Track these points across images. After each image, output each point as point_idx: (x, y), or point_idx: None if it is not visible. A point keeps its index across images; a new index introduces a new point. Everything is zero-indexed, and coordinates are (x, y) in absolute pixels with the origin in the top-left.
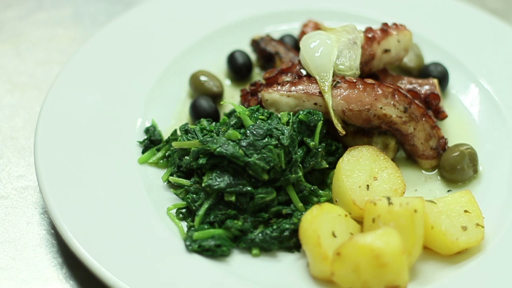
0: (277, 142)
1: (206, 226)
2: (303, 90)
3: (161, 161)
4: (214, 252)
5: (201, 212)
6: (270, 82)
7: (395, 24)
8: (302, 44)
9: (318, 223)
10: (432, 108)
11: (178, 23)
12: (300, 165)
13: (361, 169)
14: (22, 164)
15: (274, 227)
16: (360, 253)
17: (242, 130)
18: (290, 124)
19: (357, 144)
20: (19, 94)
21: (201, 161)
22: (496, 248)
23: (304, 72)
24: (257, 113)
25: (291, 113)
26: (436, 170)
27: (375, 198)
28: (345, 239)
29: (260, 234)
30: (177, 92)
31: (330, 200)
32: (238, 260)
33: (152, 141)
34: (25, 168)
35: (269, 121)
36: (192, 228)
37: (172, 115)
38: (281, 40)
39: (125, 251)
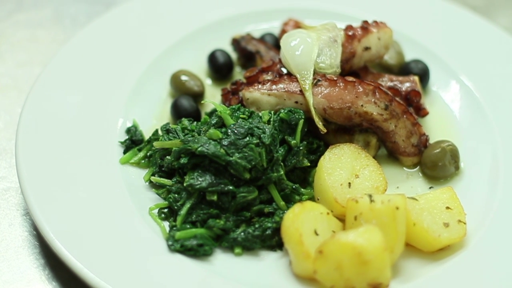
0: (258, 141)
1: (188, 226)
2: (284, 88)
3: (143, 161)
4: (196, 251)
5: (183, 211)
6: (251, 81)
7: (375, 22)
8: (282, 43)
9: (300, 221)
10: (413, 105)
11: (158, 23)
12: (282, 163)
13: (343, 167)
14: (4, 166)
15: (256, 226)
16: (343, 250)
17: (223, 129)
18: (271, 122)
19: (339, 142)
20: None
21: (182, 160)
22: (478, 244)
23: (285, 71)
24: (238, 112)
25: (272, 112)
26: (418, 167)
27: (357, 195)
28: (327, 237)
29: (242, 233)
30: (158, 92)
31: (312, 198)
32: (221, 259)
33: (133, 141)
34: (6, 170)
35: (250, 120)
36: (174, 228)
37: (153, 115)
38: (262, 39)
39: (107, 252)
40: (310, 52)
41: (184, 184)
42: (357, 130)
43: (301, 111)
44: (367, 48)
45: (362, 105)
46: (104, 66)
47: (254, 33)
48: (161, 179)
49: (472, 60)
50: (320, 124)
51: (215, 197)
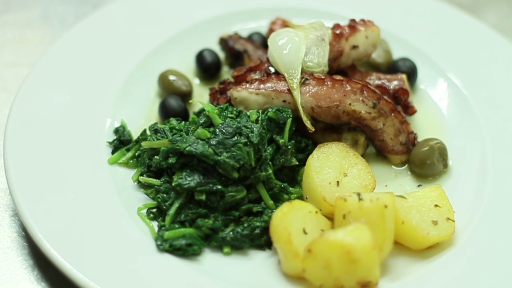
0: (246, 140)
1: (177, 226)
2: (272, 87)
3: (131, 161)
4: (185, 251)
5: (171, 211)
6: (239, 80)
7: (362, 20)
8: (270, 42)
9: (289, 220)
10: (401, 103)
11: (146, 23)
12: (270, 162)
13: (331, 166)
14: None
15: (245, 225)
16: (331, 249)
17: (211, 129)
18: (259, 122)
19: (327, 141)
20: None
21: (171, 160)
22: (467, 242)
23: (272, 70)
24: (226, 111)
25: (260, 111)
26: (406, 165)
27: (345, 194)
28: (316, 236)
29: (231, 233)
30: (146, 92)
31: (301, 197)
32: (210, 259)
33: (121, 141)
34: None
35: (238, 119)
36: (163, 228)
37: (142, 115)
38: (250, 38)
39: (96, 252)
40: (297, 51)
41: (173, 184)
42: (345, 129)
43: (289, 110)
44: (354, 47)
45: (350, 104)
46: (92, 66)
47: (242, 32)
48: (150, 179)
49: (460, 58)
50: (308, 123)
51: (203, 197)
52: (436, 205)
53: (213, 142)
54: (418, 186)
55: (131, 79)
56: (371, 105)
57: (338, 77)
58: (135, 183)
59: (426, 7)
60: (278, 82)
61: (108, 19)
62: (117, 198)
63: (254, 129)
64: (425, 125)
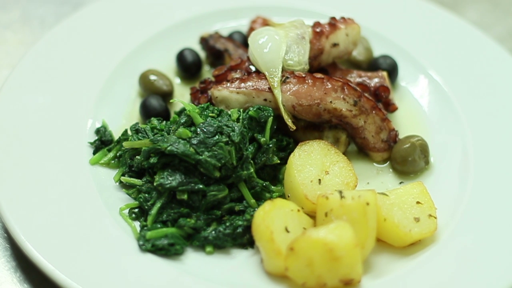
0: (227, 139)
1: (159, 225)
2: (253, 86)
3: (113, 161)
4: (167, 251)
5: (153, 211)
6: (220, 80)
7: (343, 18)
8: (250, 41)
9: (271, 218)
10: (382, 100)
11: (126, 23)
12: (252, 161)
13: (313, 164)
14: None
15: (227, 224)
16: (314, 247)
17: (192, 128)
18: (241, 120)
19: (308, 139)
20: None
21: (152, 160)
22: (449, 238)
23: (253, 69)
24: (207, 110)
25: (241, 110)
26: (388, 163)
27: (327, 192)
28: (298, 234)
29: (213, 232)
30: (127, 92)
31: (283, 196)
32: (192, 258)
33: (103, 141)
34: None
35: (219, 118)
36: (145, 228)
37: (123, 115)
38: (230, 37)
39: (78, 253)
40: (278, 49)
41: (154, 184)
42: (326, 127)
43: (270, 108)
44: (335, 45)
45: (331, 102)
46: (72, 67)
47: (223, 31)
48: (131, 179)
49: (441, 54)
50: (289, 121)
51: (185, 196)
52: (418, 202)
53: (194, 141)
54: (400, 183)
55: (112, 79)
56: (352, 103)
57: (319, 75)
58: (117, 184)
59: (406, 4)
60: (259, 80)
61: (88, 20)
62: (99, 199)
63: (235, 128)
64: (406, 122)
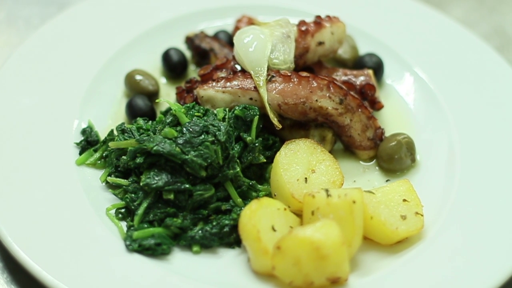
0: (213, 138)
1: (145, 225)
2: (238, 85)
3: (99, 161)
4: (154, 251)
5: (140, 211)
6: (205, 79)
7: (328, 17)
8: (236, 40)
9: (257, 217)
10: (368, 98)
11: (111, 23)
12: (238, 160)
13: (299, 162)
14: None
15: (214, 223)
16: (300, 246)
17: (178, 128)
18: (226, 120)
19: (294, 138)
20: None
21: (138, 160)
22: (436, 236)
23: (239, 68)
24: (193, 110)
25: (227, 109)
26: (374, 161)
27: (313, 190)
28: (285, 233)
29: (200, 231)
30: (112, 92)
31: (269, 195)
32: (179, 258)
33: (89, 142)
34: None
35: (205, 117)
36: (132, 228)
37: (109, 115)
38: (216, 37)
39: (65, 253)
40: (263, 48)
41: (141, 184)
42: (312, 125)
43: (256, 107)
44: (320, 43)
45: (316, 100)
46: (58, 67)
47: (208, 30)
48: (118, 179)
49: (426, 52)
50: (275, 120)
51: (171, 196)
52: (404, 200)
53: (180, 141)
54: (386, 181)
55: (97, 79)
56: (338, 101)
57: (305, 74)
58: (103, 184)
59: (391, 2)
60: (245, 80)
61: (73, 20)
62: (86, 199)
63: (221, 127)
64: (392, 120)
